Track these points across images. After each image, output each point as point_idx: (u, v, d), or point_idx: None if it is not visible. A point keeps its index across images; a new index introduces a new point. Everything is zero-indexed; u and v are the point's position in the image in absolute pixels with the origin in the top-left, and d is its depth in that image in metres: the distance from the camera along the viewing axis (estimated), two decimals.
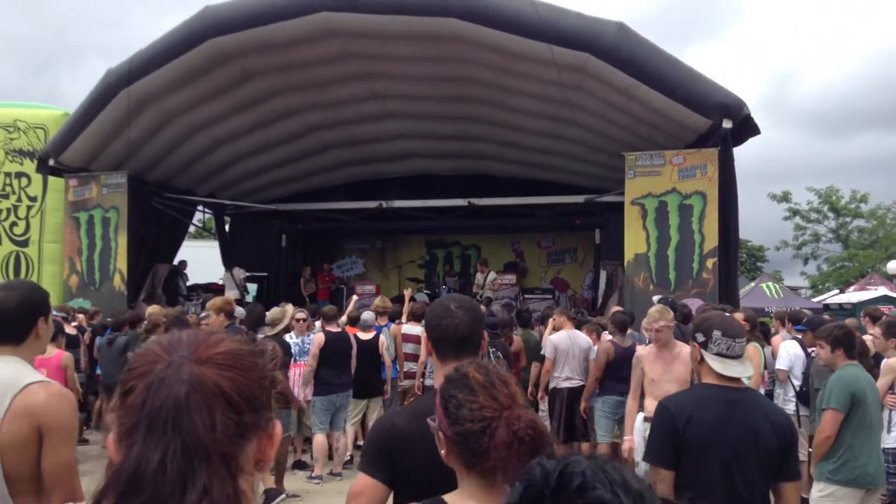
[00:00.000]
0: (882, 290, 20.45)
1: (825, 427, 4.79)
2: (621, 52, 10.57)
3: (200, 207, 17.46)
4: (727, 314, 3.62)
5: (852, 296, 21.40)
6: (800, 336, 7.89)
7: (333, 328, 8.83)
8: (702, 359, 3.18)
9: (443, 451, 1.79)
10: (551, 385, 8.61)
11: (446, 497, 1.78)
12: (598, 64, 10.73)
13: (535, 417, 1.65)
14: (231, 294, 16.08)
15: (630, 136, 12.24)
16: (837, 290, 27.54)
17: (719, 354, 3.11)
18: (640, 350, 6.64)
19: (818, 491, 4.87)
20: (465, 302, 2.44)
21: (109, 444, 1.08)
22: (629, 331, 8.65)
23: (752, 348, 6.78)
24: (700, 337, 3.20)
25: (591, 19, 10.77)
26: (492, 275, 16.14)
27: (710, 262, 10.96)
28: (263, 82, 12.96)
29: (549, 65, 11.02)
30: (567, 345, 8.48)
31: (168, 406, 1.02)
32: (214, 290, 15.90)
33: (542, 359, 8.93)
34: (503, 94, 12.84)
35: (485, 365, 1.84)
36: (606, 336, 8.70)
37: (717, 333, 3.13)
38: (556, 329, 8.88)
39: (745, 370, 3.13)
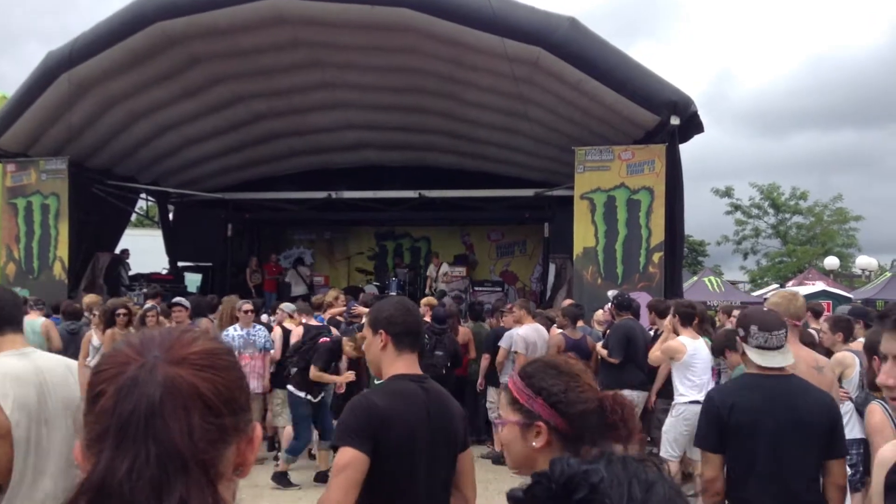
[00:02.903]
0: (820, 286, 21.08)
1: None
2: (573, 46, 10.64)
3: (143, 195, 17.07)
4: (764, 308, 3.86)
5: (792, 290, 21.91)
6: None
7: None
8: (744, 352, 3.44)
9: (537, 443, 1.78)
10: None
11: None
12: (550, 58, 10.78)
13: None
14: (299, 290, 16.49)
15: (580, 131, 12.34)
16: (777, 285, 28.20)
17: (758, 347, 3.36)
18: None
19: None
20: (412, 303, 2.86)
21: (76, 453, 1.02)
22: (580, 323, 8.71)
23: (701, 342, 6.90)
24: (741, 332, 3.46)
25: (543, 13, 10.82)
26: (444, 267, 16.21)
27: (656, 257, 11.13)
28: (211, 68, 12.69)
29: (501, 58, 11.03)
30: (535, 338, 8.44)
31: (140, 410, 0.95)
32: (157, 279, 15.57)
33: (493, 350, 8.90)
34: (455, 86, 12.81)
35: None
36: (556, 329, 8.73)
37: (753, 328, 3.38)
38: (516, 323, 8.76)
39: (785, 359, 3.34)
